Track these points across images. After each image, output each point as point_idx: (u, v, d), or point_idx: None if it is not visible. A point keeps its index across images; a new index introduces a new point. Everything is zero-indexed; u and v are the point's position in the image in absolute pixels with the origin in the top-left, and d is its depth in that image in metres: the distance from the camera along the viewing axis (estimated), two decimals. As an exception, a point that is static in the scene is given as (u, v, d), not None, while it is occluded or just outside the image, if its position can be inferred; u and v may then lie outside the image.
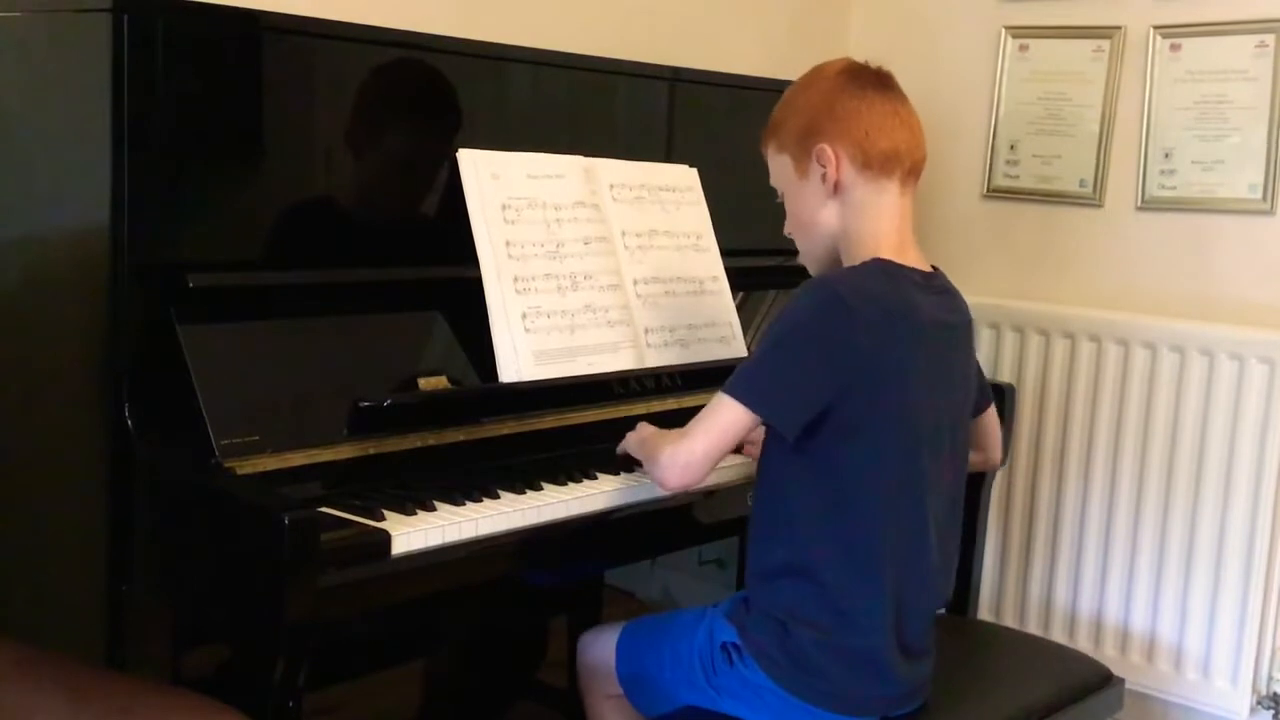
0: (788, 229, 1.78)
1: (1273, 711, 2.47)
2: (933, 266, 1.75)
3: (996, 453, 1.97)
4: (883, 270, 1.66)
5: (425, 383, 1.77)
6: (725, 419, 1.62)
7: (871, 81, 1.72)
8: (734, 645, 1.68)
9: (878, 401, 1.60)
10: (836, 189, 1.69)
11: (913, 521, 1.66)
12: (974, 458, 1.88)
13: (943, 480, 1.70)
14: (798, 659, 1.64)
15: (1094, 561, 2.60)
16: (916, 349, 1.64)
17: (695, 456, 1.63)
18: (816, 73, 1.77)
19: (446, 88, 1.92)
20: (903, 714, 1.71)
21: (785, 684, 1.65)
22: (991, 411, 1.93)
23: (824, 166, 1.69)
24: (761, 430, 1.93)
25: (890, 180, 1.69)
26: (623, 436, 1.87)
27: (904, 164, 1.70)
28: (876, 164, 1.68)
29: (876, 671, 1.65)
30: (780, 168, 1.76)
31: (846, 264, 1.71)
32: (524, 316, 1.86)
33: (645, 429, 1.83)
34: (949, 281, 1.76)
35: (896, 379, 1.62)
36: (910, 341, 1.63)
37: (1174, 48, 2.57)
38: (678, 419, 1.90)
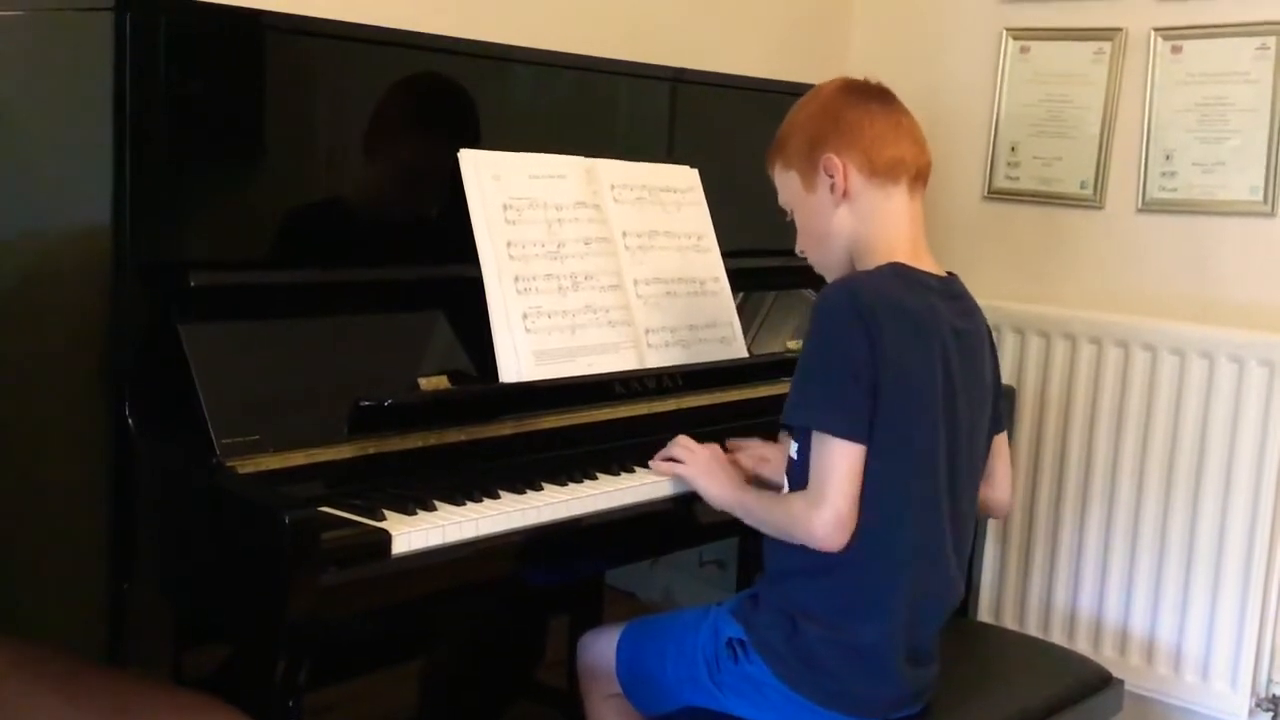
0: (800, 246, 1.78)
1: (1271, 714, 2.47)
2: (948, 272, 1.75)
3: (1005, 490, 1.84)
4: (898, 274, 1.66)
5: (426, 383, 1.77)
6: (839, 460, 1.59)
7: (872, 95, 1.73)
8: (739, 641, 1.68)
9: (900, 404, 1.60)
10: (845, 197, 1.69)
11: (930, 528, 1.66)
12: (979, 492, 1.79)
13: (960, 487, 1.70)
14: (804, 655, 1.64)
15: (1094, 563, 2.60)
16: (936, 354, 1.63)
17: (844, 513, 1.59)
18: (816, 91, 1.78)
19: (448, 88, 1.93)
20: (904, 716, 1.71)
21: (790, 680, 1.65)
22: (1002, 440, 1.82)
23: (831, 176, 1.69)
24: (766, 450, 1.92)
25: (897, 186, 1.70)
26: (623, 437, 1.87)
27: (910, 170, 1.70)
28: (883, 170, 1.69)
29: (882, 672, 1.65)
30: (788, 184, 1.76)
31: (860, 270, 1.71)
32: (525, 317, 1.86)
33: (726, 491, 1.75)
34: (964, 287, 1.75)
35: (916, 382, 1.61)
36: (929, 346, 1.63)
37: (1175, 50, 2.57)
38: (678, 420, 1.91)
